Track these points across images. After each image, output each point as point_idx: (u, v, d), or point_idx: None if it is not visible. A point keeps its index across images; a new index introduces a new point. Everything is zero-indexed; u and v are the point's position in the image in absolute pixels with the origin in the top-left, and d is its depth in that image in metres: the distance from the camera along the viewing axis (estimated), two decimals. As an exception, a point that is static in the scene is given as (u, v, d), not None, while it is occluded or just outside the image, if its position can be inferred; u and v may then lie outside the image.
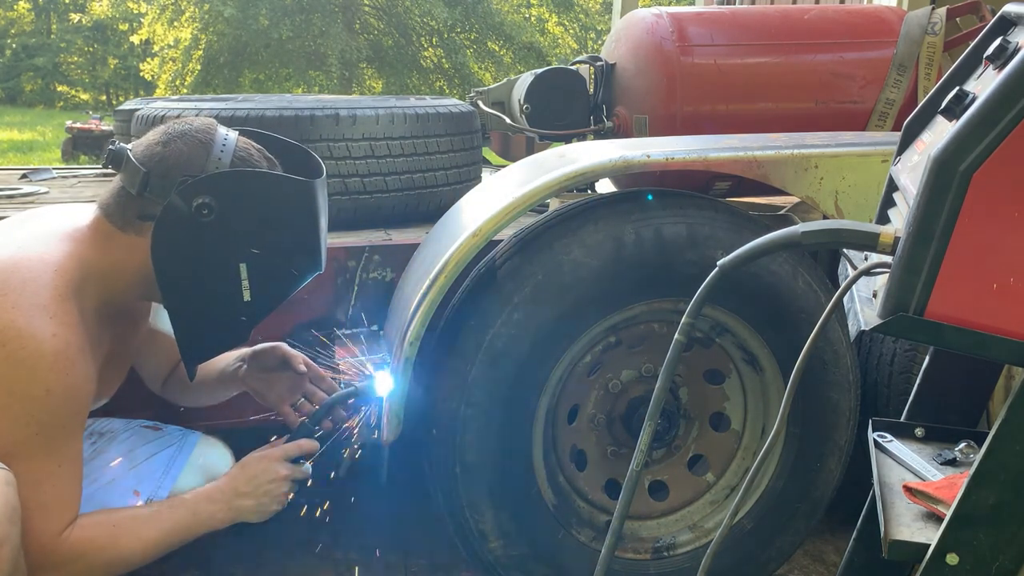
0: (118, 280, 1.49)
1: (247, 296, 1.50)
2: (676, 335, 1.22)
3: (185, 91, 17.43)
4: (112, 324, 1.54)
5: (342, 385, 1.84)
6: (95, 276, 1.45)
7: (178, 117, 1.65)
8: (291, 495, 1.64)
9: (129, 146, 1.48)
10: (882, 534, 1.18)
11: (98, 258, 1.46)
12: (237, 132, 1.54)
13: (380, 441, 1.77)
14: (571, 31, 22.44)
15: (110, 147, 1.47)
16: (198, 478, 1.73)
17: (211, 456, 1.80)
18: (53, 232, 1.46)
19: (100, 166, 3.52)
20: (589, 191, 2.57)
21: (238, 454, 1.71)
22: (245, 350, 1.85)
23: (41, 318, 1.32)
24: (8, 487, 1.27)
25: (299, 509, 1.83)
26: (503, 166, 2.46)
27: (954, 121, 1.05)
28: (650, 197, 1.81)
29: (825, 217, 1.83)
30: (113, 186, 1.50)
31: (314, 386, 1.85)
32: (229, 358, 1.85)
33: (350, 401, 1.78)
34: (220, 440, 1.85)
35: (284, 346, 1.83)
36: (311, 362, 1.84)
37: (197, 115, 2.09)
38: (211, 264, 1.48)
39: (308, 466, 1.66)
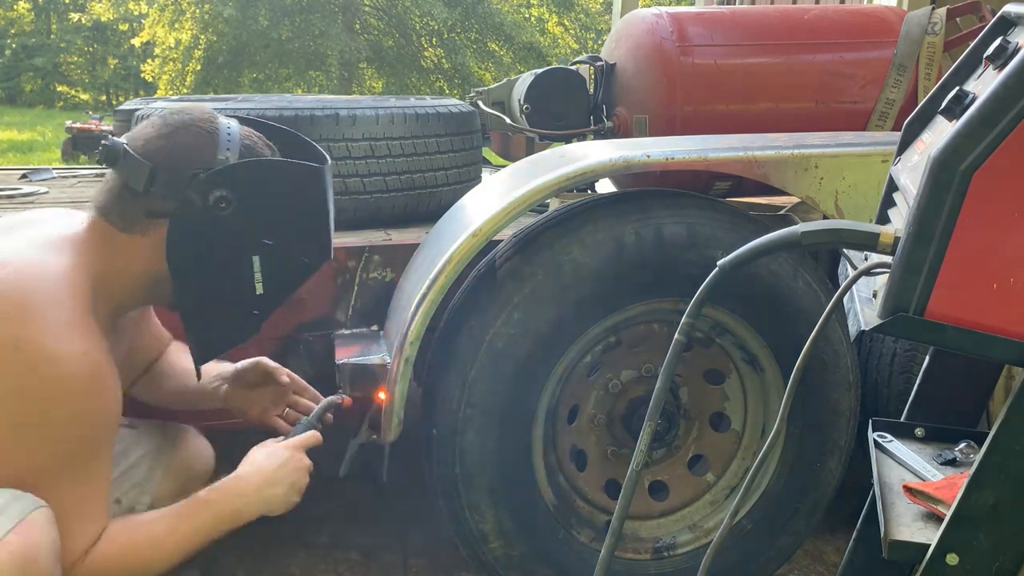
0: (125, 284, 1.43)
1: (260, 289, 1.45)
2: (676, 335, 1.22)
3: (186, 91, 17.42)
4: (117, 330, 1.49)
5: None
6: (103, 284, 1.39)
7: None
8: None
9: (123, 140, 1.40)
10: (882, 534, 1.18)
11: (103, 265, 1.39)
12: (236, 120, 1.49)
13: (380, 442, 1.77)
14: (571, 31, 22.44)
15: (103, 142, 1.38)
16: (178, 478, 1.72)
17: (192, 453, 1.78)
18: (47, 243, 1.37)
19: (100, 166, 3.52)
20: (589, 191, 2.57)
21: (223, 454, 1.68)
22: (226, 368, 1.80)
23: (69, 339, 1.27)
24: (51, 525, 1.25)
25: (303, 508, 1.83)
26: (503, 166, 2.45)
27: (954, 121, 1.05)
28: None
29: (825, 217, 1.83)
30: (109, 185, 1.41)
31: (297, 396, 1.82)
32: (208, 374, 1.78)
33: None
34: (201, 435, 1.82)
35: (266, 360, 1.80)
36: (293, 374, 1.82)
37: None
38: (227, 258, 1.43)
39: (310, 460, 1.65)
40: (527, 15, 21.58)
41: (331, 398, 1.75)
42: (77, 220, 1.44)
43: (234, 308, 1.49)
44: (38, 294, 1.28)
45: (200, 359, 1.54)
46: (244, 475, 1.52)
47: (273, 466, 1.53)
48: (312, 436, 1.62)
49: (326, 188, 1.51)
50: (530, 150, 2.69)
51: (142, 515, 1.49)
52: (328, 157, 1.57)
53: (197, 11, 17.74)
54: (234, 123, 1.47)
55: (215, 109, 2.12)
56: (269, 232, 1.44)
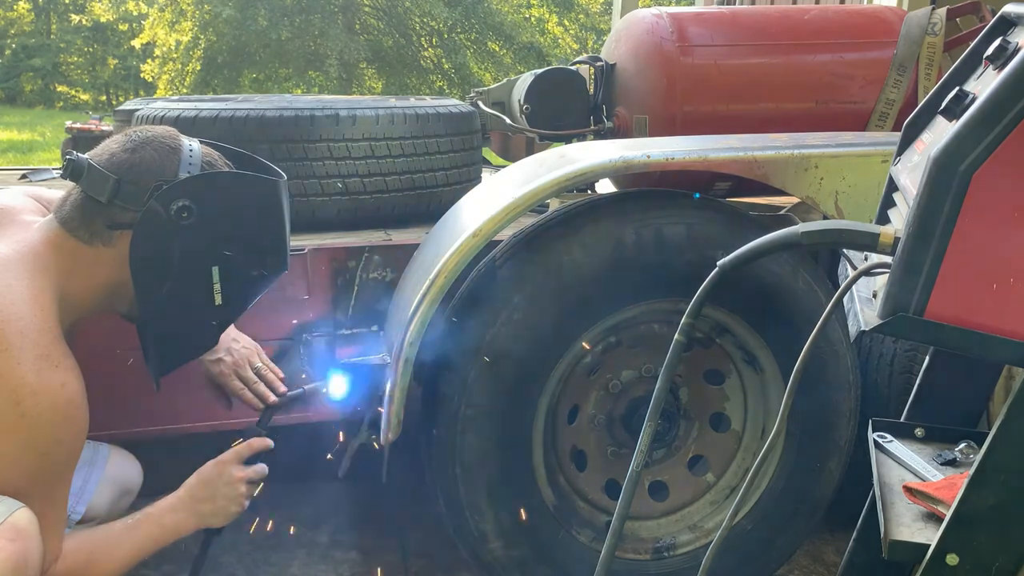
0: (88, 297, 1.46)
1: (219, 300, 1.50)
2: (676, 335, 1.22)
3: (185, 91, 17.41)
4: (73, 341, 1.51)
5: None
6: (68, 299, 1.42)
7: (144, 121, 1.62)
8: (252, 495, 1.65)
9: (87, 156, 1.44)
10: (882, 534, 1.18)
11: (67, 279, 1.42)
12: (197, 141, 1.54)
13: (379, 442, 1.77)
14: (571, 31, 22.44)
15: (68, 158, 1.42)
16: (112, 493, 1.75)
17: (123, 468, 1.80)
18: (6, 264, 1.37)
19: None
20: (589, 191, 2.57)
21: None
22: None
23: (48, 369, 1.31)
24: (37, 529, 1.31)
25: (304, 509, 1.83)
26: (503, 166, 2.45)
27: (954, 121, 1.05)
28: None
29: (825, 217, 1.83)
30: (72, 198, 1.44)
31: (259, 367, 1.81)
32: None
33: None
34: (129, 452, 1.84)
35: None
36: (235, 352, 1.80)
37: (197, 115, 2.10)
38: (188, 268, 1.47)
39: (263, 465, 1.67)
40: (527, 15, 21.56)
41: (285, 397, 1.77)
42: (30, 236, 1.44)
43: (193, 318, 1.54)
44: (11, 323, 1.30)
45: (158, 372, 1.57)
46: (180, 493, 1.61)
47: (200, 484, 1.62)
48: (249, 446, 1.66)
49: (283, 201, 1.57)
50: (530, 150, 2.69)
51: (94, 529, 1.56)
52: (283, 174, 1.62)
53: (197, 12, 17.74)
54: (195, 142, 1.53)
55: (215, 109, 2.14)
56: (228, 243, 1.49)
